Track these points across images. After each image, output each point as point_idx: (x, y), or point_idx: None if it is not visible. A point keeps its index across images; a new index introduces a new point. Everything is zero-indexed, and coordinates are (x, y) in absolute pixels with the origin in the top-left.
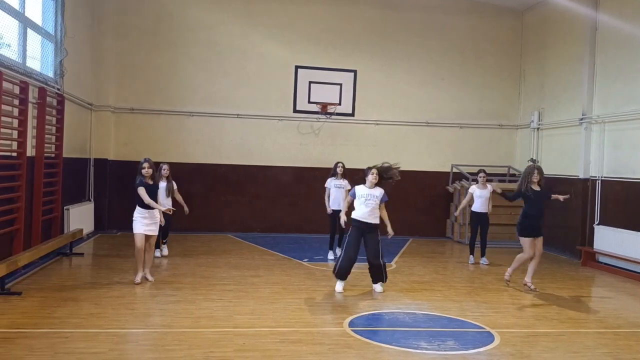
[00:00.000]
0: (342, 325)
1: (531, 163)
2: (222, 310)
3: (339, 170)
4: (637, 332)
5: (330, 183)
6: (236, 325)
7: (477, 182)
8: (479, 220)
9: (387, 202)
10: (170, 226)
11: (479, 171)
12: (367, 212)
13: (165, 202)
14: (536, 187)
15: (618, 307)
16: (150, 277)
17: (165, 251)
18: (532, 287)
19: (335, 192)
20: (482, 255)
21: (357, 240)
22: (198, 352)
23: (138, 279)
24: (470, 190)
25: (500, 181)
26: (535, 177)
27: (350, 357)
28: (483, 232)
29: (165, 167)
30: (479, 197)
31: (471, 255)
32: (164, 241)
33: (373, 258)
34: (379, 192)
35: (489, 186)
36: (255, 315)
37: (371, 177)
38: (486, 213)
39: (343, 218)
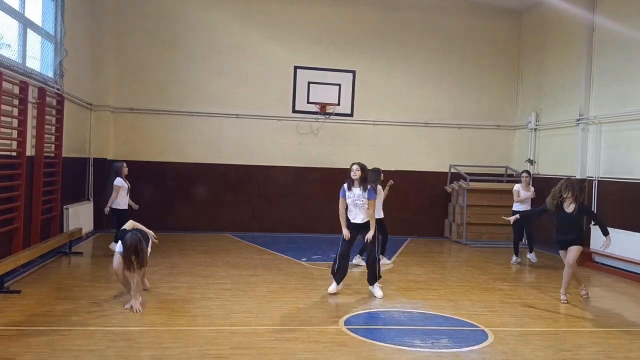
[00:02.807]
0: (338, 323)
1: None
2: (219, 308)
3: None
4: (629, 331)
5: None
6: (233, 323)
7: (521, 182)
8: (523, 220)
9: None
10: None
11: (523, 171)
12: None
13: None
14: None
15: (612, 306)
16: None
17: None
18: (563, 298)
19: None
20: (530, 250)
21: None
22: (194, 349)
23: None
24: (515, 188)
25: (497, 181)
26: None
27: (345, 355)
28: (528, 229)
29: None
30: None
31: (515, 256)
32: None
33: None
34: None
35: (531, 189)
36: (252, 314)
37: None
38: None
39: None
